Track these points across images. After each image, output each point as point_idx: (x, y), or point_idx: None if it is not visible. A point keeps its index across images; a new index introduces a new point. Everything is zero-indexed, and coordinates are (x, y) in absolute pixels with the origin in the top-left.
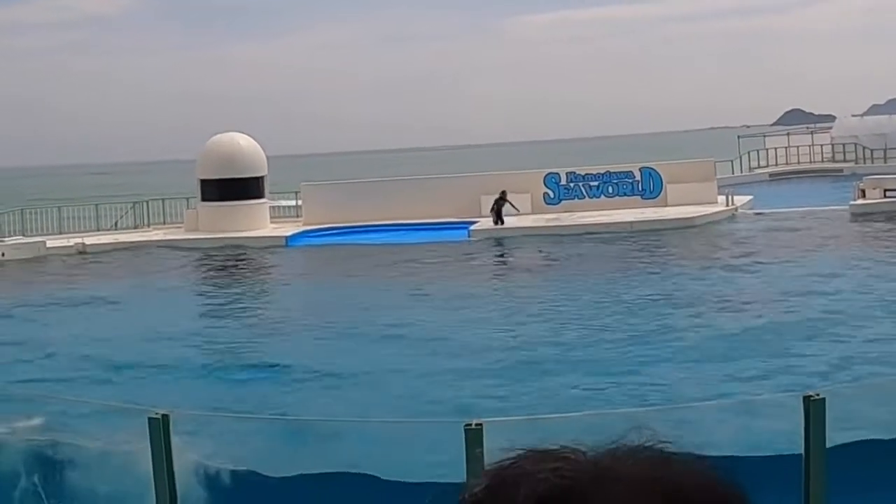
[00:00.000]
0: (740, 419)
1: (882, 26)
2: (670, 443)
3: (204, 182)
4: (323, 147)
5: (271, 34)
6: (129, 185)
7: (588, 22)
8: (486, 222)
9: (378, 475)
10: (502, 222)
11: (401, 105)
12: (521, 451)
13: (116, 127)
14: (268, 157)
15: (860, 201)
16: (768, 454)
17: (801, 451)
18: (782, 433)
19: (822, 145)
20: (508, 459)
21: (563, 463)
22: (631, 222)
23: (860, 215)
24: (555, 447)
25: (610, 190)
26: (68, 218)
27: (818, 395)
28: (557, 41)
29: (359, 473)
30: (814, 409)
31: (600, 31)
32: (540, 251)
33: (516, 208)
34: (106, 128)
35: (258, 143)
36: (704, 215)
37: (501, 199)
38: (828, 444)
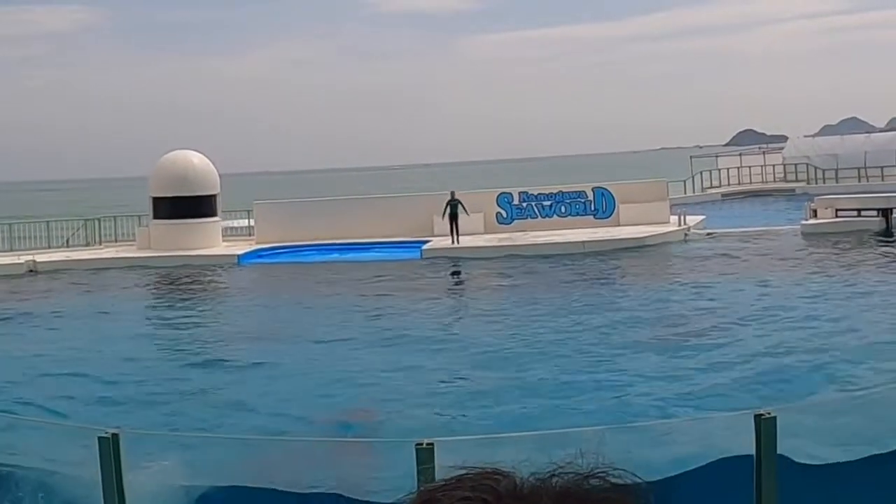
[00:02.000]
0: (692, 437)
1: (835, 48)
2: (617, 469)
3: (156, 200)
4: (280, 165)
5: (227, 51)
6: (81, 202)
7: (542, 42)
8: (439, 241)
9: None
10: (457, 227)
11: (358, 123)
12: (458, 473)
13: (69, 143)
14: (222, 175)
15: (812, 221)
16: (719, 472)
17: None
18: (734, 451)
19: (774, 165)
20: (441, 481)
21: (479, 492)
22: (583, 242)
23: (811, 235)
24: (487, 470)
25: (563, 209)
26: (19, 236)
27: (770, 413)
28: (511, 61)
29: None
30: (765, 428)
31: (554, 52)
32: (490, 271)
33: (466, 211)
34: (58, 144)
35: (211, 161)
36: (656, 235)
37: (452, 201)
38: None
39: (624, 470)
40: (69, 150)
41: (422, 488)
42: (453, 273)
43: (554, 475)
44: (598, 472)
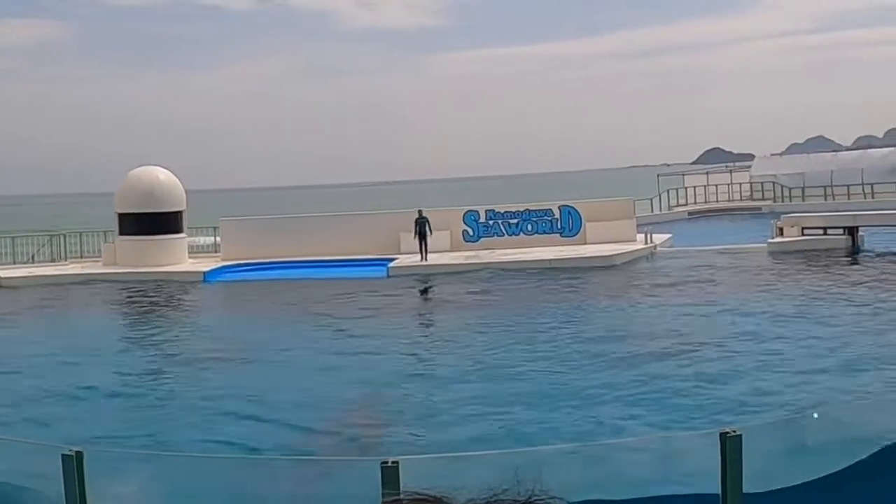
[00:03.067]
0: (657, 456)
1: (802, 67)
2: (554, 498)
3: (122, 216)
4: (250, 182)
5: (200, 67)
6: (46, 218)
7: (510, 60)
8: (405, 259)
9: None
10: (427, 245)
11: (331, 140)
12: (393, 498)
13: (35, 158)
14: (191, 192)
15: (778, 239)
16: (686, 493)
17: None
18: (699, 470)
19: (740, 184)
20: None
21: None
22: (550, 260)
23: (778, 253)
24: (424, 495)
25: (529, 227)
26: None
27: (735, 431)
28: (481, 78)
29: None
30: (730, 446)
31: (522, 69)
32: (456, 288)
33: (430, 229)
34: (25, 159)
35: (178, 177)
36: (623, 253)
37: (420, 219)
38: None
39: (560, 499)
40: (35, 165)
41: None
42: (419, 290)
43: (490, 502)
44: (536, 500)
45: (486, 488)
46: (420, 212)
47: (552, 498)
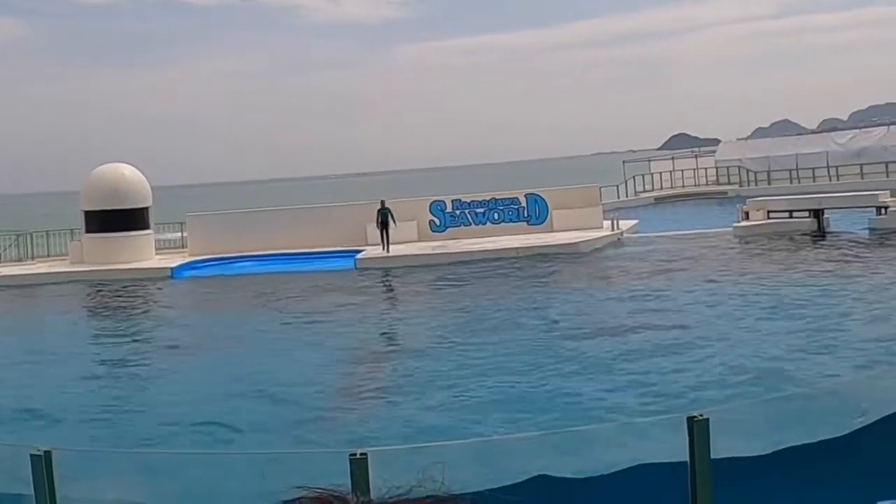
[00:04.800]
0: (625, 442)
1: (766, 52)
2: (459, 498)
3: (88, 213)
4: (219, 177)
5: (165, 63)
6: (12, 218)
7: (474, 50)
8: (372, 251)
9: None
10: (388, 235)
11: (296, 133)
12: (296, 495)
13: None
14: (159, 188)
15: (744, 223)
16: (654, 477)
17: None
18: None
19: (706, 168)
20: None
21: None
22: (517, 248)
23: (744, 237)
24: (324, 493)
25: (496, 216)
26: None
27: (702, 415)
28: (445, 69)
29: None
30: (698, 430)
31: (486, 60)
32: (423, 279)
33: (394, 220)
34: None
35: (143, 173)
36: (590, 240)
37: (383, 210)
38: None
39: (462, 497)
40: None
41: None
42: (385, 282)
43: (397, 501)
44: (442, 499)
45: (394, 487)
46: (382, 202)
47: (456, 496)
